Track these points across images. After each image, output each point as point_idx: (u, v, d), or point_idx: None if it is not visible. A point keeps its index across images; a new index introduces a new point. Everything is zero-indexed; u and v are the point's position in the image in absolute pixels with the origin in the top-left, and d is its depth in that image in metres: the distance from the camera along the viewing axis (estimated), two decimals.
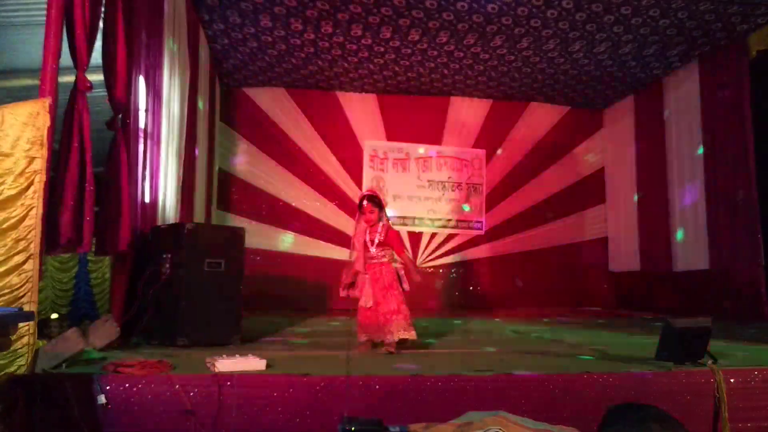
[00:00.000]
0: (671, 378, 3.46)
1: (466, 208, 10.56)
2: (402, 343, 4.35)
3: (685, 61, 8.67)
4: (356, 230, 4.65)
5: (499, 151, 10.68)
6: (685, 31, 7.73)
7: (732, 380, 3.44)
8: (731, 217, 7.79)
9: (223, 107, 9.70)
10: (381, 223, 4.59)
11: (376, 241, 4.52)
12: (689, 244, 8.65)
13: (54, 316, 7.24)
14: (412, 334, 4.33)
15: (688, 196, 8.72)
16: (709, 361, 3.60)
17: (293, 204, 9.97)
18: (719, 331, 4.30)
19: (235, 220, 9.33)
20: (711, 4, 7.02)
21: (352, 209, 10.03)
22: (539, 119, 10.78)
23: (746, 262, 7.48)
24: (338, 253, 9.91)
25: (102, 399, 3.07)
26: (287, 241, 9.90)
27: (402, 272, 4.54)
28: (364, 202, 4.60)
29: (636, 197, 8.00)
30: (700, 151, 8.35)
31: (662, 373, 3.49)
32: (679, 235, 8.82)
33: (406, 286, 4.50)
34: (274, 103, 10.06)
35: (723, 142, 7.99)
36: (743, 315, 7.19)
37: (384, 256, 4.54)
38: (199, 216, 7.51)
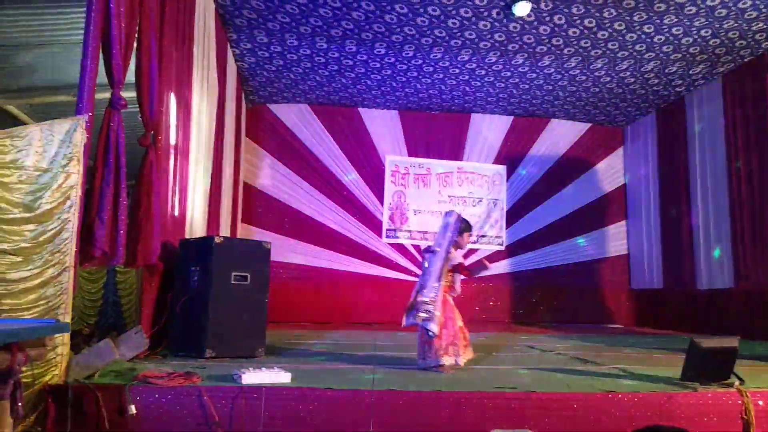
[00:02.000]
0: (697, 399, 3.41)
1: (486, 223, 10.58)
2: None
3: (709, 79, 8.64)
4: (455, 255, 4.58)
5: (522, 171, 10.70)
6: (708, 49, 7.72)
7: (761, 402, 3.39)
8: (756, 234, 7.69)
9: (249, 123, 9.89)
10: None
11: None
12: (713, 262, 8.55)
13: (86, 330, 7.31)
14: None
15: (711, 213, 8.63)
16: (737, 382, 3.55)
17: (316, 218, 10.09)
18: (746, 351, 4.25)
19: (260, 234, 9.45)
20: (734, 22, 7.01)
21: (374, 224, 10.17)
22: (560, 136, 10.81)
23: None
24: (360, 267, 10.02)
25: (132, 409, 3.14)
26: (310, 254, 10.00)
27: None
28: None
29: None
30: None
31: (688, 394, 3.44)
32: (715, 253, 8.72)
33: None
34: (298, 119, 10.24)
35: (747, 159, 7.91)
36: None
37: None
38: (225, 229, 7.64)
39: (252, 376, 3.37)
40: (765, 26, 7.07)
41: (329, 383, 3.41)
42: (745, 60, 7.92)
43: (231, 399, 3.20)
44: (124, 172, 4.04)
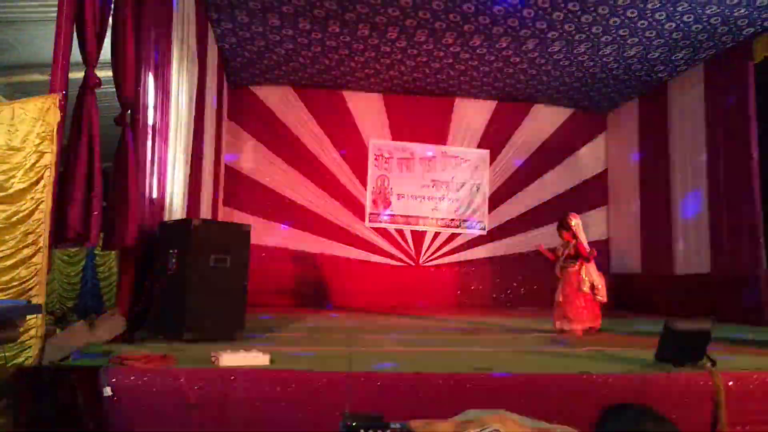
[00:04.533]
0: (670, 380, 3.48)
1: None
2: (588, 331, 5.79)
3: (691, 65, 8.68)
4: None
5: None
6: (690, 35, 7.74)
7: (731, 383, 3.46)
8: (733, 220, 7.80)
9: (231, 105, 9.76)
10: (573, 242, 6.11)
11: (565, 254, 6.14)
12: (691, 247, 8.67)
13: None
14: (597, 325, 5.93)
15: (690, 199, 8.73)
16: (708, 364, 3.62)
17: (298, 201, 10.03)
18: (719, 335, 4.33)
19: (241, 217, 9.37)
20: (717, 8, 7.02)
21: (357, 207, 10.16)
22: (543, 121, 10.81)
23: (747, 266, 7.49)
24: (342, 250, 9.99)
25: (108, 391, 3.12)
26: (292, 238, 9.96)
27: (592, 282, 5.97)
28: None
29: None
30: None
31: (661, 375, 3.52)
32: (681, 239, 8.86)
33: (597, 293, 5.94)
34: (281, 102, 10.11)
35: (727, 145, 7.99)
36: (743, 319, 7.20)
37: (573, 266, 6.04)
38: (205, 212, 7.57)
39: (230, 359, 3.37)
40: (746, 12, 7.09)
41: (307, 365, 3.42)
42: (727, 46, 7.95)
43: (208, 381, 3.19)
44: (98, 152, 3.95)
